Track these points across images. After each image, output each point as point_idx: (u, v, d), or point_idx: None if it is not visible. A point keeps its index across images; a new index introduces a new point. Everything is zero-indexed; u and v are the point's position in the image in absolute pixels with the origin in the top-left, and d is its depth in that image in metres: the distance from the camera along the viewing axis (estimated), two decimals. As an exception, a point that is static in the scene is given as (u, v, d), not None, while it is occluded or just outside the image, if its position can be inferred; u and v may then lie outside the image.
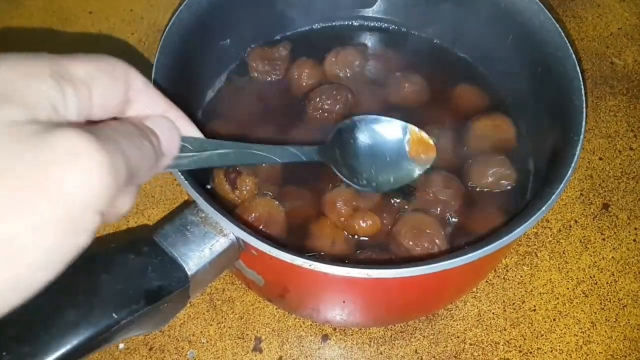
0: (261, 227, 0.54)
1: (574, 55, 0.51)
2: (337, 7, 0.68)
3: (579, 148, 0.47)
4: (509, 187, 0.58)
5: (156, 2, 0.80)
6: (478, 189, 0.59)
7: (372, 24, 0.70)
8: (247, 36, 0.65)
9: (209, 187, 0.57)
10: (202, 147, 0.39)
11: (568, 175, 0.46)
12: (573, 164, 0.47)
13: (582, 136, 0.48)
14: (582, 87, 0.50)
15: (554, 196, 0.45)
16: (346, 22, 0.70)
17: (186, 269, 0.42)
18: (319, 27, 0.70)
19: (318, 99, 0.63)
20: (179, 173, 0.46)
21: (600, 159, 0.69)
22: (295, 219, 0.57)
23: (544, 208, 0.44)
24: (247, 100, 0.64)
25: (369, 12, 0.68)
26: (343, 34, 0.70)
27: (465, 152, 0.61)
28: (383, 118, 0.54)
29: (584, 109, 0.49)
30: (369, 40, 0.70)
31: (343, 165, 0.53)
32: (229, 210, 0.55)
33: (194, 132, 0.38)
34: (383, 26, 0.70)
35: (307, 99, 0.63)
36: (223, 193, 0.56)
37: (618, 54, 0.77)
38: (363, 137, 0.54)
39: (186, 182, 0.45)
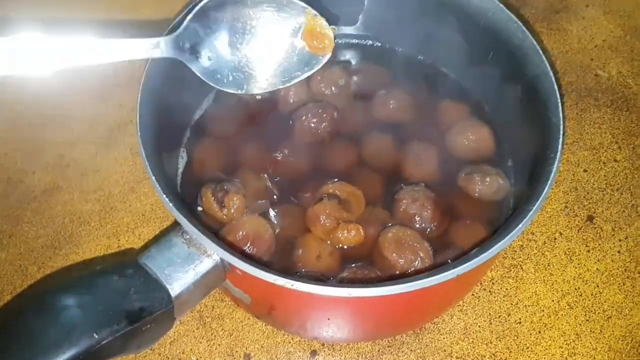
0: (249, 244, 0.55)
1: (551, 73, 0.52)
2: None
3: (555, 165, 0.48)
4: (499, 199, 0.59)
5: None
6: (466, 200, 0.60)
7: (356, 42, 0.71)
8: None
9: (199, 207, 0.58)
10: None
11: (544, 192, 0.47)
12: (549, 181, 0.48)
13: (559, 153, 0.49)
14: (560, 104, 0.51)
15: (530, 213, 0.46)
16: (335, 41, 0.71)
17: (170, 290, 0.43)
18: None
19: (304, 117, 0.64)
20: (164, 195, 0.47)
21: (585, 171, 0.70)
22: (283, 234, 0.58)
23: (520, 226, 0.45)
24: (235, 119, 0.65)
25: (352, 29, 0.70)
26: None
27: (455, 162, 0.62)
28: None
29: (561, 126, 0.50)
30: (353, 57, 0.71)
31: (199, 56, 0.48)
32: (217, 229, 0.57)
33: None
34: (367, 43, 0.71)
35: (293, 117, 0.64)
36: (211, 212, 0.58)
37: (602, 66, 0.79)
38: (238, 19, 0.47)
39: (170, 203, 0.46)
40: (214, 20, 0.50)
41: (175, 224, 0.47)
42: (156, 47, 0.48)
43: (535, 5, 0.84)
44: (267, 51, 0.53)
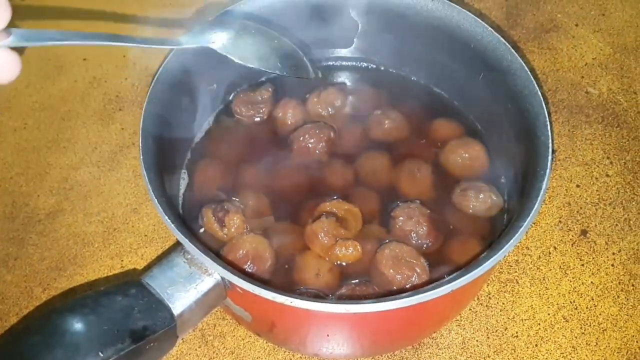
0: (249, 263, 0.57)
1: (539, 93, 0.54)
2: (317, 48, 0.71)
3: (545, 182, 0.50)
4: (493, 214, 0.61)
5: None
6: (460, 216, 0.61)
7: (351, 64, 0.73)
8: (233, 80, 0.68)
9: (201, 227, 0.60)
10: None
11: (535, 208, 0.49)
12: (539, 197, 0.49)
13: (548, 170, 0.50)
14: (548, 123, 0.52)
15: (521, 229, 0.48)
16: (329, 63, 0.73)
17: (172, 309, 0.44)
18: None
19: (302, 137, 0.65)
20: (166, 216, 0.48)
21: (578, 186, 0.71)
22: (282, 253, 0.59)
23: (511, 242, 0.47)
24: (235, 141, 0.67)
25: (348, 52, 0.71)
26: (326, 74, 0.73)
27: (449, 180, 0.63)
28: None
29: (550, 144, 0.51)
30: (349, 79, 0.72)
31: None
32: (218, 249, 0.58)
33: None
34: (362, 65, 0.73)
35: (291, 138, 0.66)
36: (212, 231, 0.59)
37: (593, 83, 0.80)
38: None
39: (172, 224, 0.48)
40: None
41: (177, 244, 0.48)
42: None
43: (526, 26, 0.86)
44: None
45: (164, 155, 0.58)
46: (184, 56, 0.60)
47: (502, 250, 0.47)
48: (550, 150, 0.51)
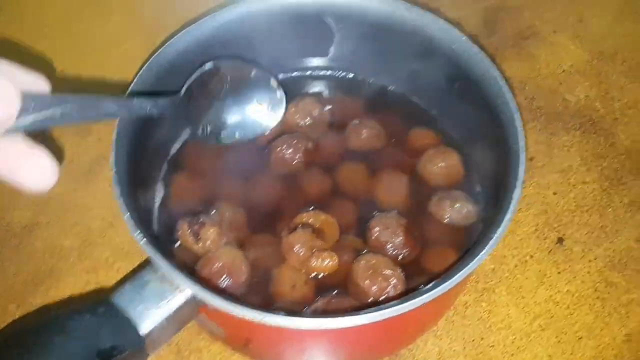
0: (224, 276, 0.57)
1: (513, 102, 0.54)
2: (293, 57, 0.71)
3: (517, 192, 0.50)
4: (469, 223, 0.61)
5: (127, 58, 0.83)
6: (437, 226, 0.61)
7: (329, 73, 0.73)
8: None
9: (177, 240, 0.59)
10: (44, 104, 0.36)
11: (506, 219, 0.49)
12: (511, 208, 0.49)
13: (520, 181, 0.50)
14: (521, 132, 0.53)
15: (491, 241, 0.48)
16: (305, 72, 0.73)
17: (141, 328, 0.44)
18: (280, 77, 0.73)
19: (279, 148, 0.65)
20: (136, 231, 0.48)
21: (555, 193, 0.72)
22: (259, 265, 0.59)
23: (482, 254, 0.47)
24: (212, 152, 0.67)
25: (324, 61, 0.71)
26: (302, 83, 0.73)
27: (426, 189, 0.63)
28: (246, 65, 0.58)
29: (522, 155, 0.52)
30: (326, 88, 0.72)
31: (196, 116, 0.55)
32: (194, 263, 0.58)
33: (35, 83, 0.35)
34: (340, 75, 0.72)
35: (268, 149, 0.66)
36: (188, 245, 0.59)
37: (571, 90, 0.81)
38: (223, 84, 0.56)
39: (142, 240, 0.47)
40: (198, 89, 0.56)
41: (149, 261, 0.48)
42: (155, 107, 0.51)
43: (504, 33, 0.86)
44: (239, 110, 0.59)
45: (139, 168, 0.58)
46: (158, 67, 0.60)
47: (470, 264, 0.47)
48: (522, 160, 0.51)
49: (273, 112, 0.59)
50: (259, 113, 0.59)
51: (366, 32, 0.65)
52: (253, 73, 0.58)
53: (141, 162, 0.58)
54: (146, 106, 0.49)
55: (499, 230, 0.48)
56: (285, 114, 0.67)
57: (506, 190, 0.51)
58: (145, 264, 0.48)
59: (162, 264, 0.46)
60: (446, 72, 0.62)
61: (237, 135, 0.58)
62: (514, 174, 0.51)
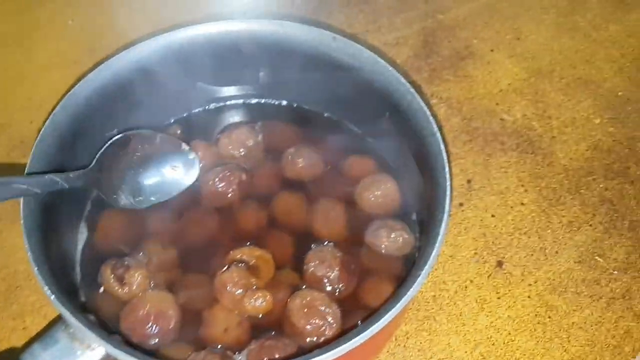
0: (150, 323, 0.54)
1: (438, 134, 0.53)
2: (221, 86, 0.69)
3: (442, 227, 0.49)
4: (405, 253, 0.60)
5: (56, 90, 0.80)
6: (374, 256, 0.60)
7: (263, 101, 0.71)
8: (136, 124, 0.66)
9: (101, 286, 0.57)
10: None
11: (433, 255, 0.48)
12: (437, 244, 0.48)
13: (446, 215, 0.49)
14: (446, 165, 0.52)
15: (418, 279, 0.47)
16: (240, 101, 0.71)
17: (47, 392, 0.41)
18: (212, 107, 0.71)
19: (211, 181, 0.63)
20: (46, 287, 0.45)
21: (493, 216, 0.71)
22: (190, 308, 0.57)
23: (407, 296, 0.46)
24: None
25: (255, 89, 0.70)
26: (236, 112, 0.71)
27: (362, 218, 0.62)
28: (155, 133, 0.61)
29: (448, 189, 0.51)
30: (261, 116, 0.71)
31: (109, 185, 0.58)
32: (119, 309, 0.55)
33: None
34: (275, 102, 0.71)
35: (200, 182, 0.64)
36: (112, 291, 0.56)
37: (508, 109, 0.81)
38: (134, 154, 0.60)
39: (52, 296, 0.45)
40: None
41: (60, 316, 0.45)
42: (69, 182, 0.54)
43: (442, 54, 0.86)
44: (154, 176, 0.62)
45: (57, 210, 0.55)
46: (77, 102, 0.57)
47: (398, 304, 0.46)
48: (448, 195, 0.50)
49: (187, 173, 0.62)
50: (173, 176, 0.62)
51: (294, 61, 0.64)
52: (162, 140, 0.62)
53: (60, 204, 0.56)
54: (57, 181, 0.51)
55: (426, 267, 0.47)
56: (218, 144, 0.66)
57: (432, 225, 0.50)
58: (55, 320, 0.45)
59: (72, 321, 0.43)
60: (376, 101, 0.61)
61: (153, 199, 0.60)
62: (441, 209, 0.50)
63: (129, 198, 0.58)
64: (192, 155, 0.63)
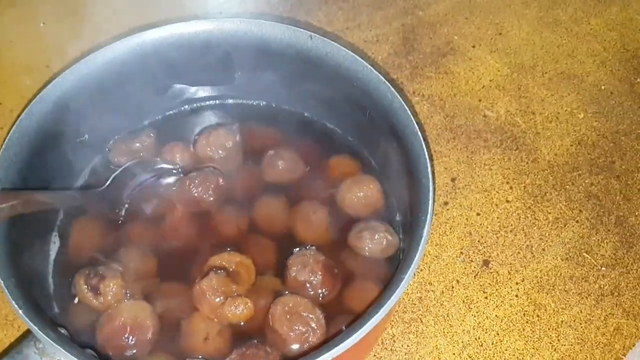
0: (126, 334, 0.52)
1: (419, 133, 0.52)
2: (200, 86, 0.67)
3: (426, 229, 0.47)
4: (389, 255, 0.58)
5: (26, 95, 0.78)
6: (358, 259, 0.58)
7: (240, 101, 0.69)
8: (107, 128, 0.64)
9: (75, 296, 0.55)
10: None
11: (417, 257, 0.46)
12: (421, 246, 0.47)
13: (429, 216, 0.48)
14: (429, 165, 0.50)
15: (402, 282, 0.45)
16: (216, 102, 0.69)
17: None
18: (188, 108, 0.69)
19: (187, 186, 0.62)
20: (12, 299, 0.43)
21: (478, 214, 0.70)
22: (168, 317, 0.55)
23: (391, 299, 0.44)
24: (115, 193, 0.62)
25: (235, 89, 0.68)
26: (213, 113, 0.69)
27: (345, 220, 0.61)
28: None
29: (431, 189, 0.49)
30: (239, 117, 0.69)
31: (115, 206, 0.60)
32: (94, 321, 0.53)
33: None
34: (254, 103, 0.69)
35: (176, 187, 0.62)
36: (86, 301, 0.54)
37: (490, 106, 0.80)
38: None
39: (20, 310, 0.43)
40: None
41: (28, 331, 0.43)
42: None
43: (423, 50, 0.85)
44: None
45: (25, 221, 0.53)
46: (45, 107, 0.55)
47: (382, 309, 0.44)
48: (431, 194, 0.49)
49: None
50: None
51: (271, 61, 0.62)
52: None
53: (30, 213, 0.53)
54: (77, 197, 0.57)
55: (409, 270, 0.45)
56: (196, 146, 0.65)
57: (416, 226, 0.48)
58: (24, 334, 0.43)
59: (40, 335, 0.41)
60: (356, 100, 0.60)
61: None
62: (424, 209, 0.48)
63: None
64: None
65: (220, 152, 0.65)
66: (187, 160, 0.64)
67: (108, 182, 0.60)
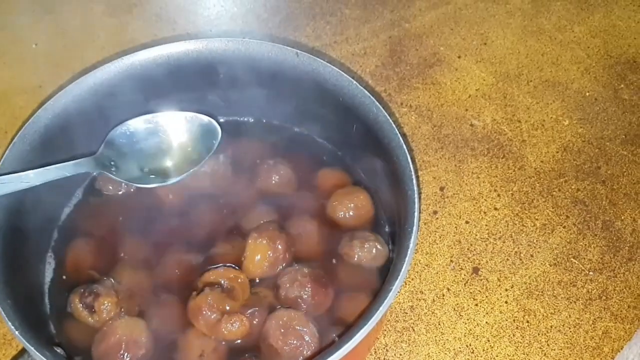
0: (121, 351, 0.53)
1: (404, 146, 0.53)
2: (189, 105, 0.68)
3: (412, 239, 0.49)
4: (380, 264, 0.59)
5: (20, 115, 0.79)
6: (348, 269, 0.59)
7: (231, 118, 0.70)
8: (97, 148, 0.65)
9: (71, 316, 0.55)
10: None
11: (404, 267, 0.47)
12: (408, 256, 0.48)
13: (415, 227, 0.49)
14: (414, 177, 0.51)
15: (390, 293, 0.46)
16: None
17: None
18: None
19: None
20: (8, 320, 0.44)
21: (467, 222, 0.71)
22: (163, 334, 0.56)
23: (381, 308, 0.45)
24: (107, 213, 0.63)
25: (225, 107, 0.68)
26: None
27: (335, 231, 0.62)
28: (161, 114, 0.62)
29: (416, 200, 0.50)
30: (231, 134, 0.70)
31: (120, 168, 0.59)
32: (90, 338, 0.54)
33: None
34: (244, 119, 0.70)
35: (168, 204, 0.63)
36: (82, 319, 0.55)
37: (477, 115, 0.81)
38: (143, 135, 0.61)
39: (17, 331, 0.44)
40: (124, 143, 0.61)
41: (24, 351, 0.44)
42: (81, 166, 0.57)
43: (410, 62, 0.86)
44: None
45: (21, 241, 0.54)
46: (37, 130, 0.57)
47: (371, 320, 0.45)
48: (416, 206, 0.50)
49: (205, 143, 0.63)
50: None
51: (258, 78, 0.64)
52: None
53: (24, 234, 0.55)
54: (74, 168, 0.56)
55: (397, 281, 0.47)
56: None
57: (402, 238, 0.49)
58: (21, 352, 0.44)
59: (37, 356, 0.42)
60: (343, 115, 0.61)
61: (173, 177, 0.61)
62: (410, 221, 0.49)
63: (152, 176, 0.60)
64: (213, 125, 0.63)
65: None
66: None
67: (101, 147, 0.59)
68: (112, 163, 0.59)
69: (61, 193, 0.62)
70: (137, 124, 0.61)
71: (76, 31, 0.89)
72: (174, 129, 0.63)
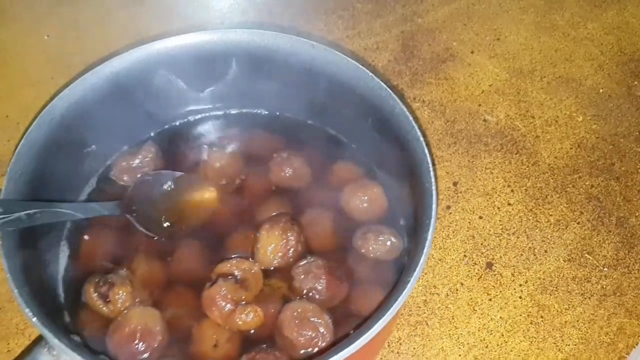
0: (136, 341, 0.53)
1: (421, 138, 0.53)
2: (204, 96, 0.68)
3: (430, 232, 0.48)
4: (394, 257, 0.59)
5: (32, 107, 0.79)
6: (363, 261, 0.59)
7: (245, 111, 0.70)
8: (115, 138, 0.65)
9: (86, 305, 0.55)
10: (10, 209, 0.44)
11: (422, 260, 0.47)
12: (426, 249, 0.48)
13: (433, 220, 0.49)
14: (431, 169, 0.51)
15: (408, 285, 0.46)
16: (220, 112, 0.70)
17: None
18: (192, 119, 0.70)
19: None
20: (26, 307, 0.44)
21: (480, 217, 0.71)
22: (178, 324, 0.56)
23: (399, 300, 0.45)
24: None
25: (239, 99, 0.68)
26: (217, 123, 0.70)
27: (350, 224, 0.61)
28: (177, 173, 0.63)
29: (434, 193, 0.50)
30: (243, 126, 0.70)
31: (143, 216, 0.59)
32: (105, 327, 0.54)
33: None
34: (257, 112, 0.70)
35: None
36: (96, 309, 0.55)
37: (490, 110, 0.81)
38: (163, 187, 0.62)
39: (34, 317, 0.43)
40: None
41: (41, 338, 0.44)
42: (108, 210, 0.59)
43: (422, 57, 0.86)
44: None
45: (36, 230, 0.54)
46: (52, 120, 0.56)
47: (389, 312, 0.45)
48: (434, 198, 0.50)
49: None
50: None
51: (273, 70, 0.63)
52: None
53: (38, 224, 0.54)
54: (98, 209, 0.57)
55: (415, 273, 0.46)
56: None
57: (420, 230, 0.49)
58: (36, 341, 0.44)
59: (54, 342, 0.42)
60: (358, 107, 0.61)
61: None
62: (428, 213, 0.49)
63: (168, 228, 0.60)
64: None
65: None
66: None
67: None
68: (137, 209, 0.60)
69: (77, 182, 0.61)
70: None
71: (88, 23, 0.89)
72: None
